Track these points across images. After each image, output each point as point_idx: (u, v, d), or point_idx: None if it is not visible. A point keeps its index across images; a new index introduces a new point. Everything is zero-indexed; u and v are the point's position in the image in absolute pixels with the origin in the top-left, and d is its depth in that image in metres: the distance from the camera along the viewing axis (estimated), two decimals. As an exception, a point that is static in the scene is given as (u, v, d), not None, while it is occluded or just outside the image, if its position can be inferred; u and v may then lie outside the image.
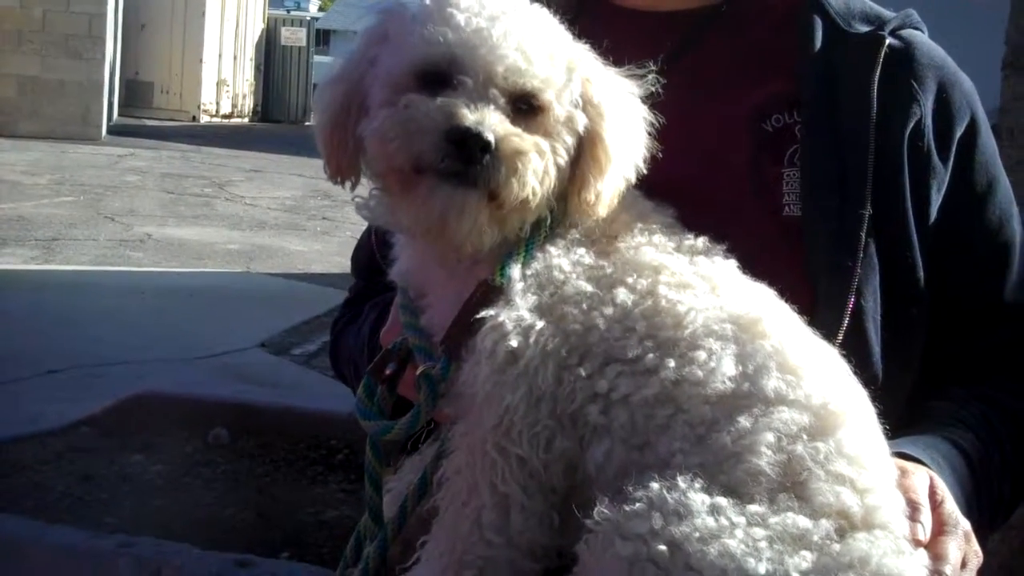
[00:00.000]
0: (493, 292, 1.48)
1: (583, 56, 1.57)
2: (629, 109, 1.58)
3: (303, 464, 5.85)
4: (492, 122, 1.43)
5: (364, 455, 1.65)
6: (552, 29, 1.56)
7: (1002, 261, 1.77)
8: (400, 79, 1.49)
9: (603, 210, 1.54)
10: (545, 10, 1.59)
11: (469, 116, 1.42)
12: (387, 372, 1.60)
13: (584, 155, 1.53)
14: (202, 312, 9.09)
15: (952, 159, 1.73)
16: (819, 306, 1.61)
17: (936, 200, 1.72)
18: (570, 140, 1.52)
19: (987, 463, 1.68)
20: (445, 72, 1.47)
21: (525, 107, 1.49)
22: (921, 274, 1.69)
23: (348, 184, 1.59)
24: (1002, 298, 1.77)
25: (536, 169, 1.46)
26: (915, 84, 1.72)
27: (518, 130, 1.46)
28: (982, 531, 1.54)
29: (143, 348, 7.69)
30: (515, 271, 1.49)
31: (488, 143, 1.42)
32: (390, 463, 1.78)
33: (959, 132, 1.74)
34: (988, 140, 1.79)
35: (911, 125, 1.70)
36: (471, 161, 1.43)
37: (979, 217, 1.76)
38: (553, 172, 1.49)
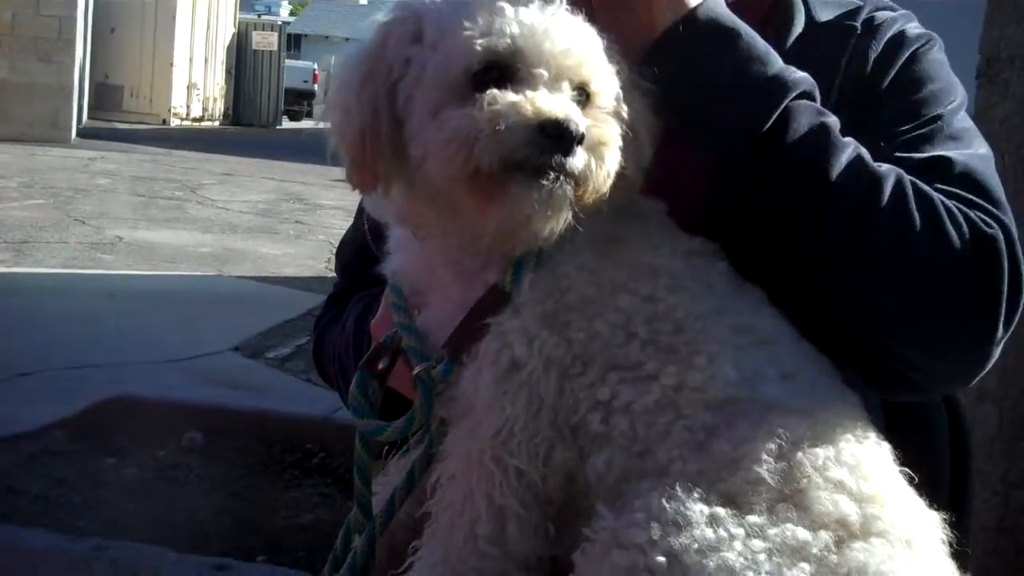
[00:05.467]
0: (502, 298, 1.47)
1: (611, 51, 1.54)
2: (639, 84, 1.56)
3: (279, 467, 5.80)
4: (577, 113, 1.39)
5: (353, 450, 1.64)
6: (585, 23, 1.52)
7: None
8: (457, 78, 1.41)
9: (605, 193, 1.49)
10: None
11: (559, 108, 1.38)
12: (380, 367, 1.58)
13: (626, 144, 1.49)
14: (175, 315, 9.00)
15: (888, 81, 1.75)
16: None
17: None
18: (619, 132, 1.48)
19: None
20: (510, 65, 1.41)
21: (582, 98, 1.45)
22: None
23: (379, 191, 1.51)
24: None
25: (614, 159, 1.43)
26: (874, 48, 1.76)
27: (591, 120, 1.43)
28: None
29: (116, 351, 7.60)
30: (526, 278, 1.47)
31: (583, 135, 1.38)
32: (380, 456, 1.77)
33: (902, 56, 1.76)
34: (937, 55, 1.80)
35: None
36: (567, 154, 1.37)
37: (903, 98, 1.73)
38: (617, 163, 1.46)
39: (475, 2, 1.44)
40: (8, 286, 9.58)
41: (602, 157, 1.41)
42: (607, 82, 1.48)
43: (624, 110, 1.50)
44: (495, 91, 1.38)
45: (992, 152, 1.72)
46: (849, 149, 1.55)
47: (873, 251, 1.51)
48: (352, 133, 1.46)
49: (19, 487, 5.27)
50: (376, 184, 1.48)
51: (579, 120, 1.38)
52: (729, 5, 1.86)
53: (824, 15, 1.82)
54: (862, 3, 1.84)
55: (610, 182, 1.44)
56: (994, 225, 1.54)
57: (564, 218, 1.42)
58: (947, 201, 1.55)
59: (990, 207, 1.58)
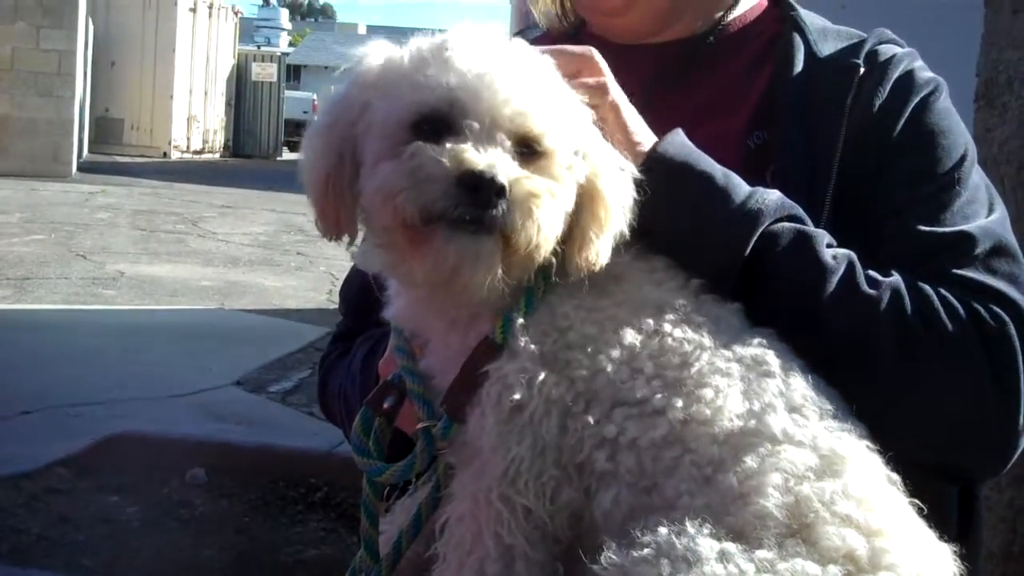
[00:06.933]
0: (494, 348, 1.46)
1: (579, 105, 1.52)
2: (616, 159, 1.53)
3: (282, 503, 5.79)
4: (503, 165, 1.37)
5: (356, 486, 1.63)
6: (551, 74, 1.50)
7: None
8: (397, 128, 1.41)
9: (600, 266, 1.48)
10: (546, 56, 1.53)
11: (480, 160, 1.36)
12: (385, 406, 1.57)
13: (583, 211, 1.48)
14: (177, 350, 9.01)
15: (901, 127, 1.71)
16: None
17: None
18: (573, 188, 1.46)
19: None
20: (447, 117, 1.40)
21: (528, 151, 1.43)
22: None
23: (344, 240, 1.51)
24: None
25: (549, 213, 1.41)
26: (880, 93, 1.72)
27: (528, 173, 1.40)
28: None
29: (118, 387, 7.61)
30: (517, 327, 1.45)
31: (503, 187, 1.35)
32: (383, 497, 1.76)
33: (911, 104, 1.72)
34: (944, 104, 1.75)
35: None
36: (486, 206, 1.36)
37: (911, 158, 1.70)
38: (561, 218, 1.44)
39: (428, 52, 1.45)
40: (9, 323, 9.60)
41: (530, 210, 1.38)
42: (560, 136, 1.45)
43: (582, 172, 1.47)
44: (419, 143, 1.38)
45: (1005, 210, 1.71)
46: (841, 269, 1.54)
47: (878, 373, 1.52)
48: (317, 178, 1.47)
49: (22, 526, 5.26)
50: (339, 232, 1.49)
51: (502, 172, 1.36)
52: (723, 40, 1.86)
53: (826, 48, 1.79)
54: (865, 35, 1.80)
55: (550, 236, 1.43)
56: (1005, 317, 1.54)
57: (493, 271, 1.41)
58: (951, 299, 1.55)
59: (1006, 290, 1.58)
